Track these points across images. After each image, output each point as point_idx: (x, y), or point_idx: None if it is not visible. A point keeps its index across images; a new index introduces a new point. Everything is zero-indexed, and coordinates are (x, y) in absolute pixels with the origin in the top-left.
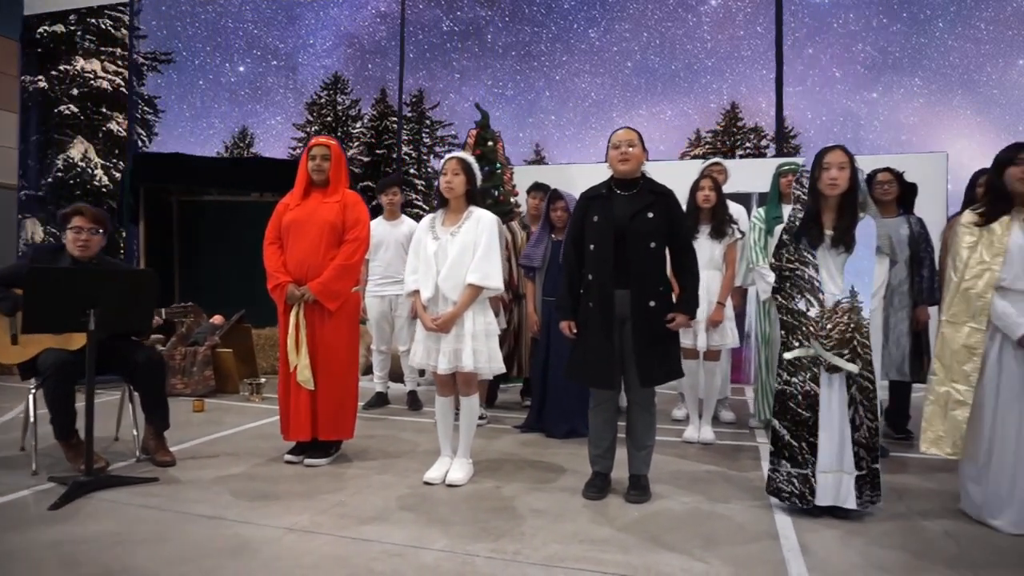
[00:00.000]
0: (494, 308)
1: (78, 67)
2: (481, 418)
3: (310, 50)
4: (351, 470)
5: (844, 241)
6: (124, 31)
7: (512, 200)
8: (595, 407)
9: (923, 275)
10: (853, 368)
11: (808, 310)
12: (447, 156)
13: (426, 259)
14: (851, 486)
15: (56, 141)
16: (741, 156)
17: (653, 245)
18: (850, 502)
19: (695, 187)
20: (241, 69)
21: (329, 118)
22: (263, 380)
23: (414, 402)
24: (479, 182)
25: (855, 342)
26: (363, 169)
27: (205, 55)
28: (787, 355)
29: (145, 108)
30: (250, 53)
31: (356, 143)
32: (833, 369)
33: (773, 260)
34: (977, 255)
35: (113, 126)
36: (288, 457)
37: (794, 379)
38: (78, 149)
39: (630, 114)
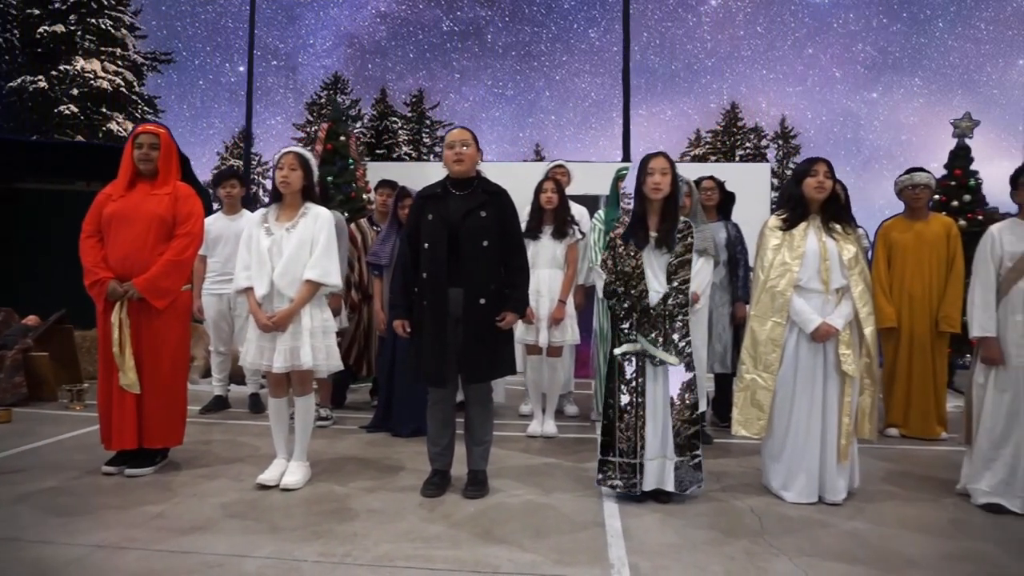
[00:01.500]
0: (335, 307)
1: (78, 67)
2: (326, 419)
3: (310, 50)
4: (179, 478)
5: (667, 242)
6: (124, 31)
7: (365, 197)
8: (432, 404)
9: (739, 275)
10: (674, 360)
11: (635, 307)
12: (282, 150)
13: (259, 255)
14: (672, 471)
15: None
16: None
17: (486, 244)
18: (670, 486)
19: (539, 188)
20: (241, 69)
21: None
22: (86, 385)
23: (256, 404)
24: (316, 178)
25: (680, 336)
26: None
27: (205, 55)
28: (616, 351)
29: (145, 108)
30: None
31: (356, 143)
32: (659, 362)
33: (603, 260)
34: (780, 257)
35: (113, 126)
36: (106, 468)
37: (622, 373)
38: None
39: (630, 114)
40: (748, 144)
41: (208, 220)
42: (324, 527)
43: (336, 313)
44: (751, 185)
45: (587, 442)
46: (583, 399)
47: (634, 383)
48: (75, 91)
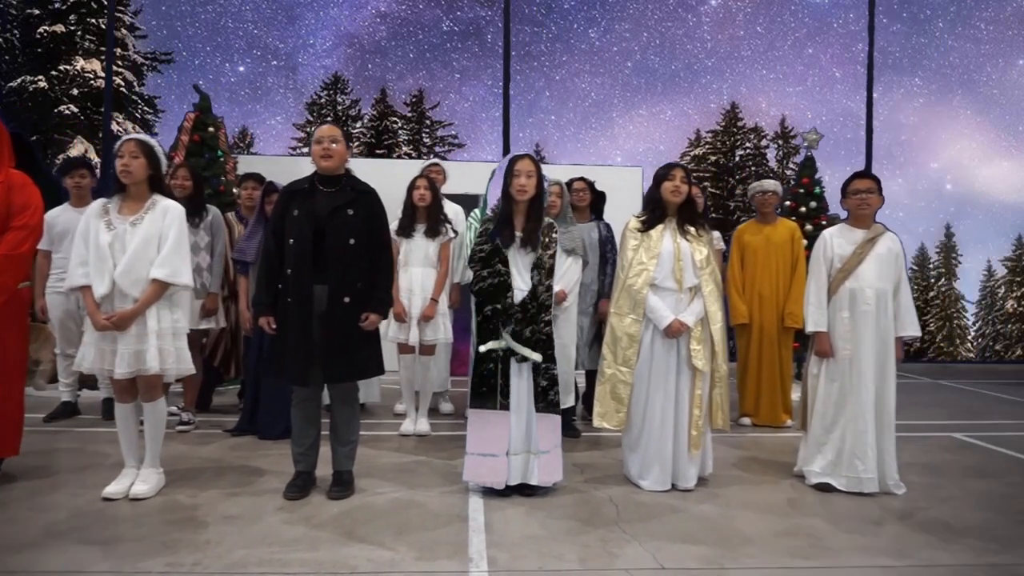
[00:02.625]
0: (212, 307)
1: (78, 67)
2: (188, 423)
3: (310, 50)
4: (13, 492)
5: (531, 242)
6: (124, 31)
7: (235, 191)
8: (296, 404)
9: (607, 272)
10: (538, 357)
11: (500, 304)
12: (124, 137)
13: (99, 250)
14: (535, 465)
15: (56, 141)
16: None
17: (352, 242)
18: (534, 479)
19: (411, 186)
20: (241, 69)
21: (329, 118)
22: None
23: (109, 410)
24: (164, 168)
25: (543, 332)
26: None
27: (205, 55)
28: (481, 347)
29: (145, 108)
30: (250, 53)
31: (356, 143)
32: (521, 359)
33: (469, 258)
34: (638, 256)
35: (113, 126)
36: None
37: (487, 369)
38: (78, 149)
39: (630, 114)
40: (748, 144)
41: (53, 213)
42: (174, 537)
43: (212, 313)
44: (624, 188)
45: (460, 439)
46: (459, 397)
47: (500, 378)
48: (75, 91)
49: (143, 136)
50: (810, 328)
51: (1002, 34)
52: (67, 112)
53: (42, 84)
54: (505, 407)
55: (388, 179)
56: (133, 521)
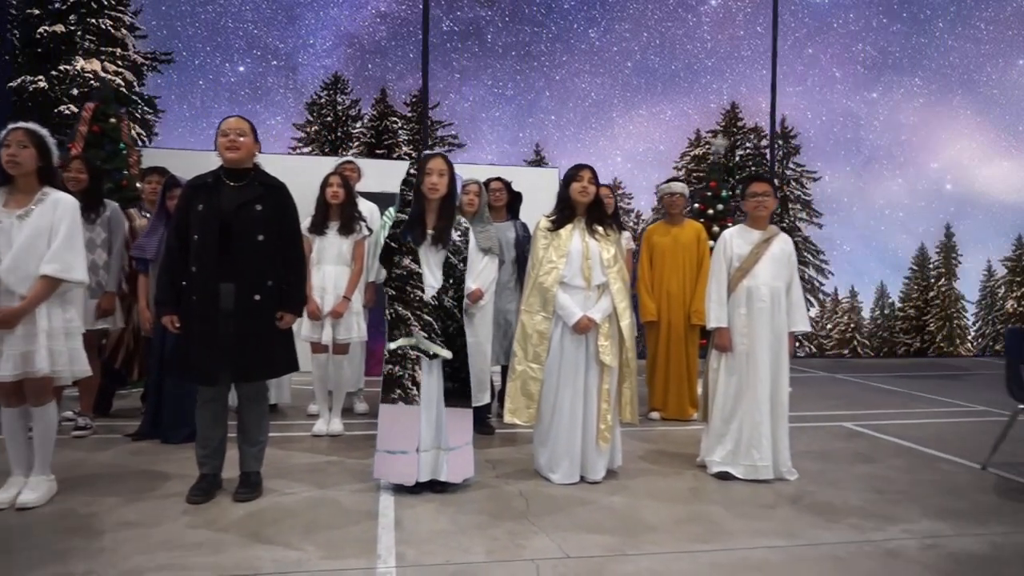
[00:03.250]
0: (109, 307)
1: (78, 67)
2: (85, 428)
3: (310, 50)
4: None
5: (443, 240)
6: (124, 31)
7: (139, 185)
8: (202, 405)
9: (525, 272)
10: (448, 354)
11: (412, 302)
12: (10, 126)
13: None
14: (446, 461)
15: (56, 141)
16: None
17: (261, 238)
18: (445, 475)
19: (324, 183)
20: (241, 69)
21: (329, 118)
22: None
23: None
24: (55, 158)
25: (453, 329)
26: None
27: (205, 55)
28: (391, 345)
29: (145, 108)
30: (250, 53)
31: (356, 143)
32: (432, 355)
33: (382, 256)
34: (548, 255)
35: None
36: None
37: (397, 366)
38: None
39: (630, 114)
40: (748, 144)
41: None
42: (65, 545)
43: (108, 313)
44: (544, 188)
45: (375, 439)
46: (374, 396)
47: (409, 374)
48: (75, 91)
49: (31, 125)
50: (711, 324)
51: (1002, 34)
52: (67, 112)
53: (42, 84)
54: (415, 403)
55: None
56: (21, 531)
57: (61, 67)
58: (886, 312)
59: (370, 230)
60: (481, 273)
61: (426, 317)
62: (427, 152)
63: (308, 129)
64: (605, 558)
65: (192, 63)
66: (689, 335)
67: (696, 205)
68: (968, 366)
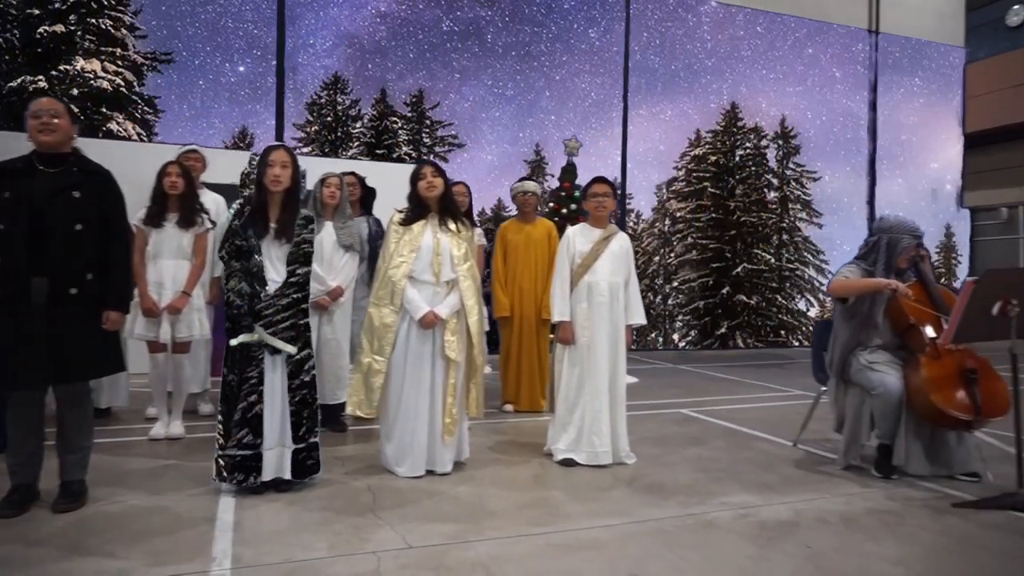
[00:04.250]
0: None
1: (78, 67)
2: None
3: (310, 50)
4: None
5: (286, 234)
6: (124, 31)
7: None
8: (13, 409)
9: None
10: (292, 350)
11: (253, 297)
12: None
13: None
14: (289, 459)
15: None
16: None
17: (79, 228)
18: (288, 473)
19: (162, 172)
20: (241, 69)
21: (329, 118)
22: None
23: None
24: None
25: (298, 325)
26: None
27: (205, 55)
28: (232, 341)
29: (145, 108)
30: (250, 53)
31: (356, 143)
32: (275, 351)
33: (220, 248)
34: (399, 249)
35: (113, 126)
36: None
37: (239, 363)
38: None
39: (630, 114)
40: (748, 144)
41: None
42: None
43: None
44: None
45: None
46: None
47: (252, 372)
48: (75, 91)
49: None
50: (555, 318)
51: None
52: None
53: (42, 84)
54: (259, 400)
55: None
56: None
57: (61, 67)
58: None
59: (213, 223)
60: (342, 270)
61: (269, 312)
62: (270, 144)
63: (308, 129)
64: (447, 546)
65: (192, 63)
66: (541, 330)
67: (551, 205)
68: (794, 356)
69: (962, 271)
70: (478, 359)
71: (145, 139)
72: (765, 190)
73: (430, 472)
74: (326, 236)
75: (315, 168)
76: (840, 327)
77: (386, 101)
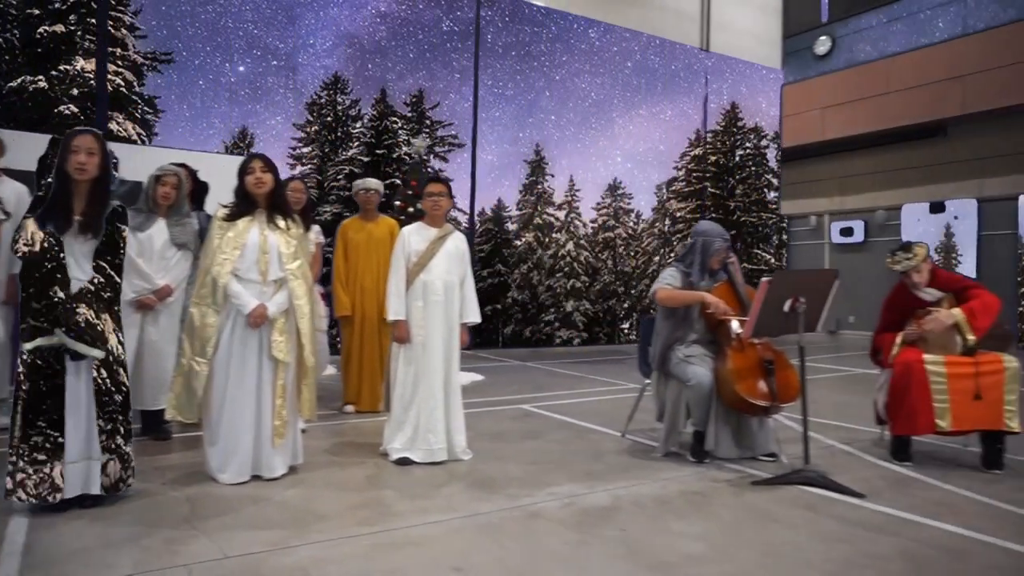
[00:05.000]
0: None
1: (78, 67)
2: None
3: (310, 50)
4: None
5: (92, 228)
6: (124, 31)
7: None
8: None
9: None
10: (99, 353)
11: (54, 297)
12: None
13: None
14: (98, 472)
15: (56, 141)
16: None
17: None
18: (96, 488)
19: None
20: (241, 69)
21: (329, 118)
22: None
23: None
24: None
25: (103, 327)
26: (363, 170)
27: (205, 55)
28: (27, 345)
29: (145, 108)
30: (250, 53)
31: (356, 143)
32: (77, 356)
33: (14, 242)
34: (223, 246)
35: (113, 126)
36: None
37: (36, 370)
38: None
39: (630, 114)
40: (748, 144)
41: None
42: None
43: None
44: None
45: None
46: None
47: (50, 380)
48: (75, 91)
49: None
50: (391, 316)
51: None
52: (67, 112)
53: (42, 84)
54: (59, 409)
55: None
56: None
57: (61, 67)
58: None
59: (7, 214)
60: (173, 269)
61: (72, 314)
62: (76, 128)
63: (308, 129)
64: (267, 553)
65: (192, 63)
66: (382, 329)
67: (397, 203)
68: (631, 351)
69: (962, 271)
70: (309, 360)
71: (145, 139)
72: (765, 190)
73: (258, 477)
74: (157, 233)
75: (137, 158)
76: (661, 325)
77: (386, 101)
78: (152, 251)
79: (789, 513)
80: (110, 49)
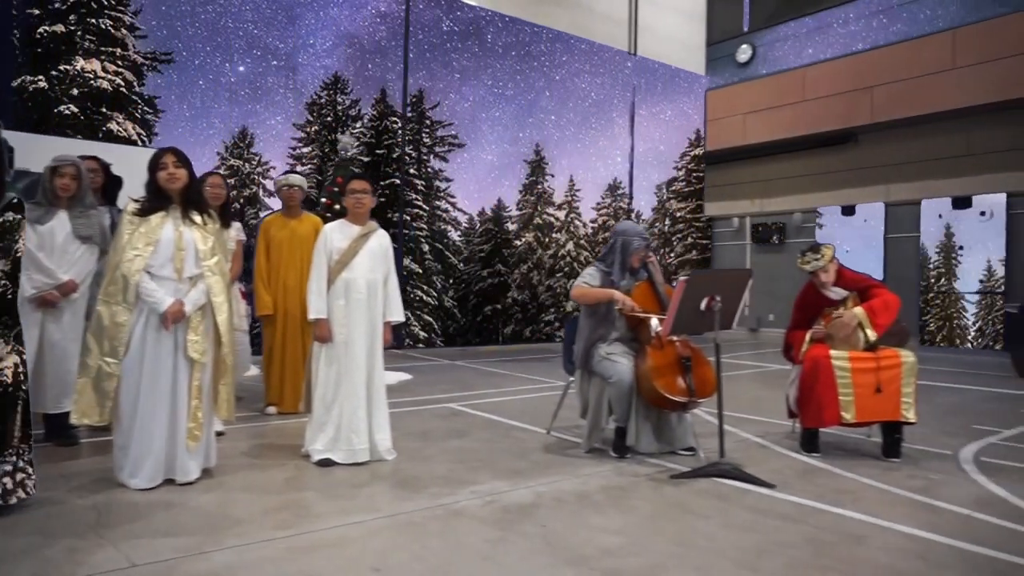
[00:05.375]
0: None
1: (78, 67)
2: None
3: (310, 50)
4: None
5: None
6: (124, 31)
7: None
8: None
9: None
10: None
11: None
12: None
13: None
14: None
15: None
16: None
17: None
18: None
19: None
20: (241, 69)
21: (329, 118)
22: None
23: None
24: None
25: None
26: (363, 169)
27: (205, 55)
28: None
29: (145, 108)
30: (250, 53)
31: (356, 143)
32: None
33: None
34: (134, 242)
35: (113, 126)
36: None
37: None
38: None
39: (630, 114)
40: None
41: None
42: None
43: None
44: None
45: None
46: None
47: None
48: (75, 91)
49: None
50: (312, 316)
51: None
52: (67, 112)
53: (42, 84)
54: None
55: None
56: None
57: (61, 67)
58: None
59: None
60: (77, 263)
61: None
62: None
63: (308, 129)
64: (178, 560)
65: (192, 63)
66: (306, 328)
67: (323, 200)
68: (558, 350)
69: (962, 271)
70: (227, 359)
71: (145, 139)
72: None
73: (171, 482)
74: (58, 226)
75: (34, 148)
76: (584, 324)
77: (386, 101)
78: (53, 245)
79: (704, 504)
80: (110, 49)
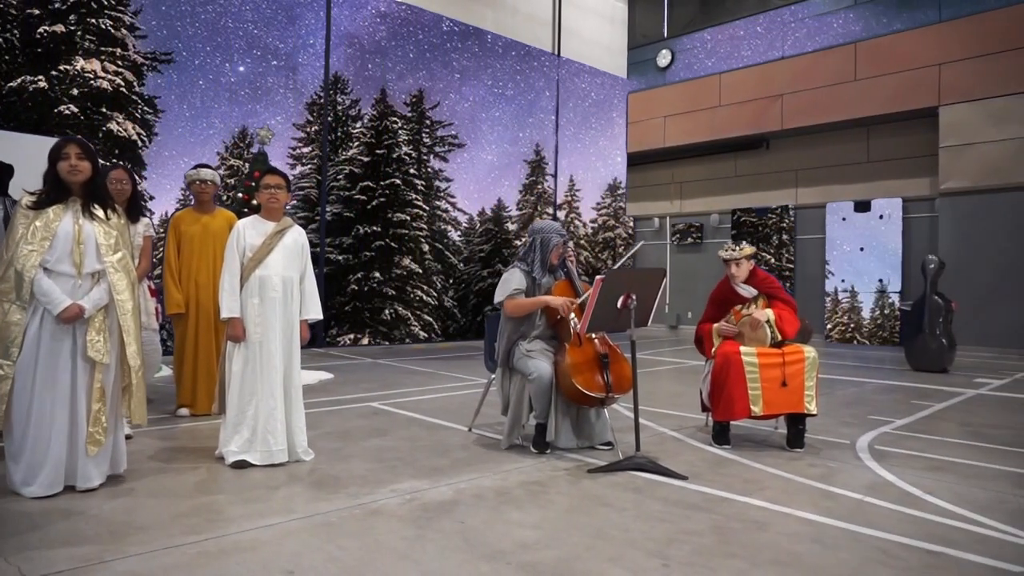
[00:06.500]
0: None
1: (78, 67)
2: None
3: (310, 50)
4: None
5: None
6: (124, 31)
7: None
8: None
9: None
10: None
11: None
12: None
13: None
14: None
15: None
16: None
17: None
18: None
19: None
20: (241, 69)
21: (329, 118)
22: None
23: None
24: None
25: None
26: (363, 169)
27: (205, 55)
28: None
29: (145, 108)
30: (250, 53)
31: (356, 143)
32: None
33: None
34: (28, 236)
35: (113, 126)
36: None
37: None
38: None
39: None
40: None
41: None
42: None
43: None
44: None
45: None
46: None
47: None
48: (75, 91)
49: None
50: (224, 314)
51: None
52: (67, 112)
53: (42, 84)
54: None
55: None
56: None
57: (61, 67)
58: (886, 312)
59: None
60: None
61: None
62: None
63: (308, 129)
64: (74, 570)
65: (192, 63)
66: (219, 327)
67: (240, 195)
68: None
69: None
70: (134, 360)
71: (145, 139)
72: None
73: (72, 489)
74: None
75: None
76: (505, 322)
77: (386, 101)
78: None
79: (619, 497)
80: (110, 49)
